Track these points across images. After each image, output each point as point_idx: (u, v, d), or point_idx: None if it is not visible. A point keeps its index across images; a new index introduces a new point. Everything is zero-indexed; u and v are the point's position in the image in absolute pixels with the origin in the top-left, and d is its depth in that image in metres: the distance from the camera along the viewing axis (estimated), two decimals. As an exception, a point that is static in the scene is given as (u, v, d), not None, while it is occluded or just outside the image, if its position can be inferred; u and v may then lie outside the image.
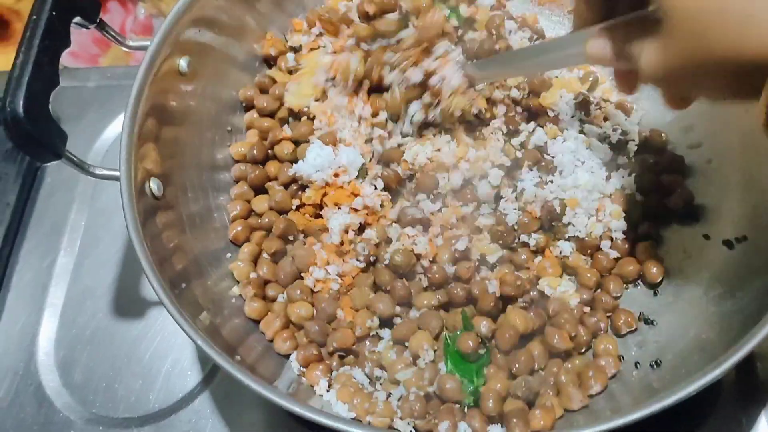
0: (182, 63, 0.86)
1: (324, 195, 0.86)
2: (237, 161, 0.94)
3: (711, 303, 0.78)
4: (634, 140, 0.91)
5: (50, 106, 1.02)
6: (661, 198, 0.87)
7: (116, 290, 0.97)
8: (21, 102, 0.69)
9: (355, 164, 0.86)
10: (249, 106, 0.97)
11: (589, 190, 0.84)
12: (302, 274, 0.84)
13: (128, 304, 0.96)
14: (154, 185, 0.80)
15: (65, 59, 1.29)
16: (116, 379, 0.91)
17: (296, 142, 0.92)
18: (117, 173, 0.76)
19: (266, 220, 0.89)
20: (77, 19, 0.79)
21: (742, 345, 0.64)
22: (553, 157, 0.87)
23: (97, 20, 0.81)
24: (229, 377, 0.67)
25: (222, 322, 0.80)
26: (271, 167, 0.92)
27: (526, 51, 0.89)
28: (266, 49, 0.98)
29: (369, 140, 0.89)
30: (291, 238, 0.87)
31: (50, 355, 0.93)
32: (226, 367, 0.67)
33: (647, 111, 0.95)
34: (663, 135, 0.91)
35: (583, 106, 0.91)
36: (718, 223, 0.84)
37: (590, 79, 0.94)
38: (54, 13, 0.75)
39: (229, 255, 0.89)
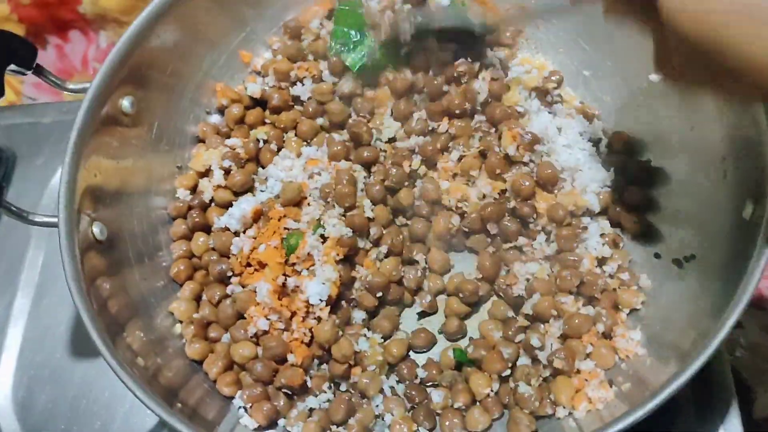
0: (125, 103, 0.85)
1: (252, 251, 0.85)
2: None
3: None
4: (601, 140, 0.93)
5: (4, 143, 1.05)
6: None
7: (75, 329, 0.96)
8: (-49, 158, 0.69)
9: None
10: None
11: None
12: (245, 315, 0.83)
13: (87, 342, 0.92)
14: (96, 229, 0.79)
15: (28, 90, 1.31)
16: (75, 420, 0.91)
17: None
18: (56, 220, 0.75)
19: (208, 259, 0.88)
20: (12, 66, 0.78)
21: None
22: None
23: (34, 66, 0.80)
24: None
25: (165, 363, 0.79)
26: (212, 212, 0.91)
27: None
28: (219, 100, 0.97)
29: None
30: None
31: (8, 398, 0.93)
32: (163, 416, 0.67)
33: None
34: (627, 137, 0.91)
35: (542, 95, 0.92)
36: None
37: (554, 78, 0.94)
38: (-14, 62, 0.74)
39: (177, 294, 0.88)
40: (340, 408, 0.77)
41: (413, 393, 0.80)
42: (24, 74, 0.80)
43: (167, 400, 0.70)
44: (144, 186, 0.90)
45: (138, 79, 0.87)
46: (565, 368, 0.77)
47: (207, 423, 0.75)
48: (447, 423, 0.77)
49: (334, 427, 0.79)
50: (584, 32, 0.94)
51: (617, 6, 0.59)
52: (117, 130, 0.85)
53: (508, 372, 0.79)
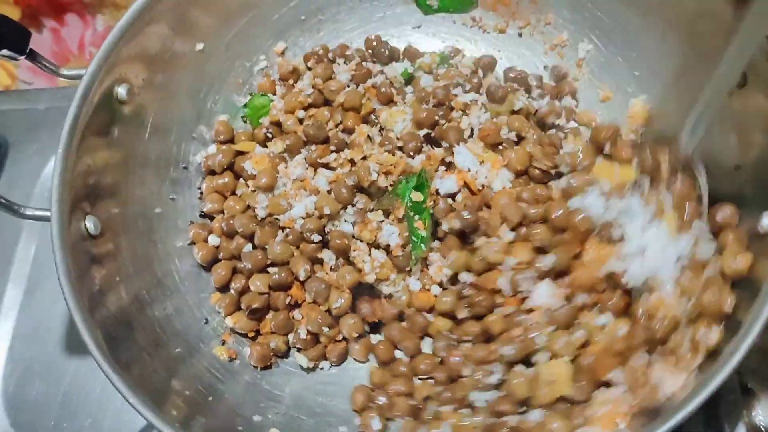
0: (121, 91, 0.82)
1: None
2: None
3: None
4: None
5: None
6: None
7: (66, 323, 0.94)
8: (-59, 148, 0.66)
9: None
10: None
11: None
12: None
13: (77, 337, 0.92)
14: (90, 223, 0.76)
15: (23, 74, 1.28)
16: (65, 417, 0.89)
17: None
18: (49, 214, 0.72)
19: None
20: (4, 51, 0.75)
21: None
22: None
23: (27, 51, 0.77)
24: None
25: (157, 362, 0.77)
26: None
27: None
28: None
29: None
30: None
31: (-2, 392, 0.91)
32: (152, 420, 0.64)
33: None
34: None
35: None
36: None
37: None
38: (-23, 48, 0.71)
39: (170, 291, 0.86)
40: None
41: None
42: (16, 59, 0.77)
43: (157, 402, 0.68)
44: (139, 179, 0.87)
45: (135, 66, 0.83)
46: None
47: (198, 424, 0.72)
48: None
49: None
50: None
51: None
52: (112, 119, 0.82)
53: None
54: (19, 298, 0.96)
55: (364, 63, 0.94)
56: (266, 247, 0.83)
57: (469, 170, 0.84)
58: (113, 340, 0.71)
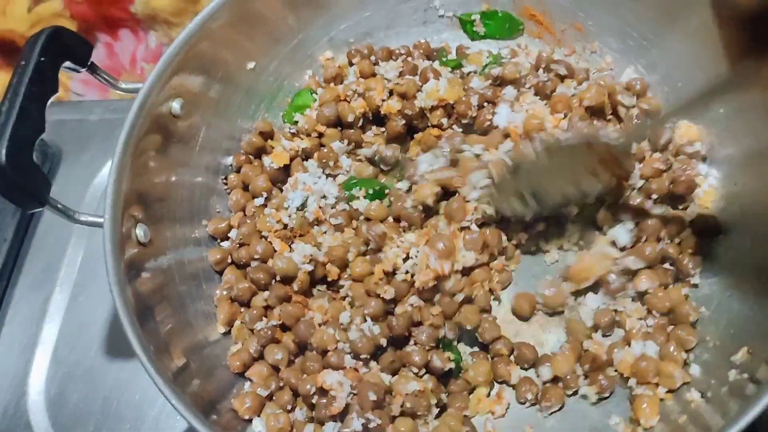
0: (175, 105, 0.85)
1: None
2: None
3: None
4: None
5: (51, 139, 1.05)
6: None
7: (110, 328, 0.96)
8: (4, 150, 0.69)
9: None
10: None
11: None
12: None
13: (121, 342, 0.92)
14: (140, 231, 0.79)
15: (75, 87, 1.32)
16: (105, 421, 0.90)
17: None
18: (102, 220, 0.75)
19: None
20: (67, 63, 0.78)
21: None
22: None
23: (88, 63, 0.80)
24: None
25: (202, 370, 0.78)
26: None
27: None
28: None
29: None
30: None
31: (41, 393, 0.93)
32: (197, 426, 0.65)
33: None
34: None
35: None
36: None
37: None
38: (43, 59, 0.74)
39: (215, 299, 0.87)
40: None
41: None
42: (78, 71, 0.80)
43: (202, 409, 0.69)
44: (188, 191, 0.89)
45: (189, 82, 0.86)
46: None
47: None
48: None
49: None
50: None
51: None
52: (165, 131, 0.85)
53: None
54: (65, 302, 0.99)
55: (410, 58, 0.96)
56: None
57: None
58: (159, 344, 0.73)
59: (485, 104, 0.90)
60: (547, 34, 0.97)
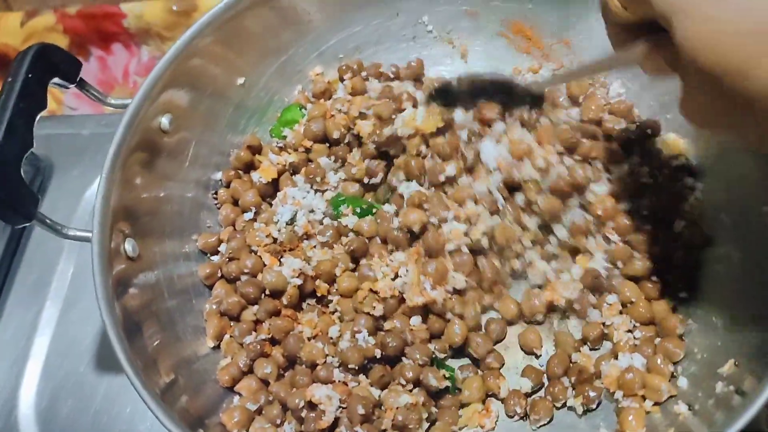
0: (164, 121, 0.85)
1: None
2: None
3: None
4: None
5: (42, 153, 1.05)
6: None
7: (101, 342, 0.96)
8: (-9, 167, 0.69)
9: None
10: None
11: None
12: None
13: (111, 356, 0.92)
14: (129, 246, 0.79)
15: (69, 100, 1.32)
16: (96, 434, 0.90)
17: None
18: (90, 235, 0.75)
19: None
20: (55, 79, 0.78)
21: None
22: None
23: (77, 80, 0.81)
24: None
25: (191, 386, 0.78)
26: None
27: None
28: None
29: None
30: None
31: (31, 407, 0.93)
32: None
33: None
34: None
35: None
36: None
37: None
38: (30, 75, 0.75)
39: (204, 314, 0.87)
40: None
41: None
42: (67, 88, 0.80)
43: (191, 425, 0.69)
44: (177, 206, 0.89)
45: (178, 97, 0.87)
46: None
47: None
48: None
49: None
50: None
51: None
52: (155, 147, 0.85)
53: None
54: (55, 316, 0.99)
55: (397, 81, 0.97)
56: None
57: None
58: (147, 360, 0.73)
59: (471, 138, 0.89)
60: (536, 48, 0.98)
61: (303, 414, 0.77)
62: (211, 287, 0.89)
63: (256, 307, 0.85)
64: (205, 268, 0.88)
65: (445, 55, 1.02)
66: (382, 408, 0.77)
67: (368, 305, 0.81)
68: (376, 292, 0.82)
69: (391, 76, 0.98)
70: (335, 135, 0.92)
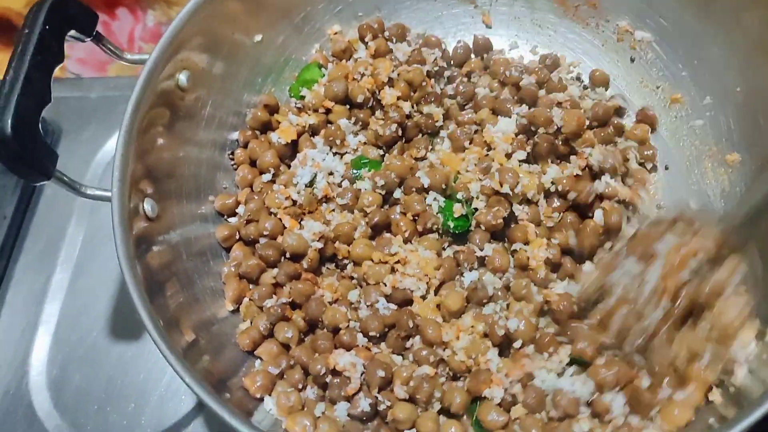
0: (182, 78, 0.83)
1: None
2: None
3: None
4: None
5: (50, 117, 1.02)
6: None
7: (112, 308, 0.94)
8: (9, 121, 0.66)
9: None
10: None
11: None
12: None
13: (124, 323, 0.93)
14: (148, 206, 0.77)
15: (72, 66, 1.29)
16: (108, 401, 0.89)
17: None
18: (109, 194, 0.73)
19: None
20: (72, 32, 0.76)
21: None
22: None
23: (94, 33, 0.78)
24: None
25: (211, 347, 0.77)
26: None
27: None
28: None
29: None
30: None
31: (42, 374, 0.91)
32: (211, 404, 0.64)
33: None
34: None
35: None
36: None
37: None
38: (47, 27, 0.72)
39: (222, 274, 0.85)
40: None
41: None
42: (83, 41, 0.78)
43: (213, 386, 0.67)
44: (195, 166, 0.87)
45: (195, 54, 0.84)
46: None
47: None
48: None
49: None
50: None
51: None
52: (172, 104, 0.82)
53: None
54: (66, 281, 0.96)
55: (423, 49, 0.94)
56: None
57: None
58: (167, 321, 0.71)
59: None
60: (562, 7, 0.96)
61: (327, 380, 0.76)
62: (228, 249, 0.87)
63: (275, 270, 0.83)
64: (222, 230, 0.86)
65: (465, 14, 0.99)
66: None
67: (377, 276, 0.80)
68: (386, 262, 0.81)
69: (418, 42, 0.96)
70: (359, 99, 0.89)
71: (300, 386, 0.78)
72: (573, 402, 0.71)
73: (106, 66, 1.27)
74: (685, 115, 0.89)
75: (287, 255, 0.82)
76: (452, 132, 0.89)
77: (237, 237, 0.87)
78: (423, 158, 0.89)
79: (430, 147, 0.90)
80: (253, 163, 0.90)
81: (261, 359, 0.80)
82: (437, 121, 0.90)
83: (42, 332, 0.94)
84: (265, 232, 0.84)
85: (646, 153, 0.89)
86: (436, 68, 0.93)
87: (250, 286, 0.84)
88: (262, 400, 0.76)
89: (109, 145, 1.04)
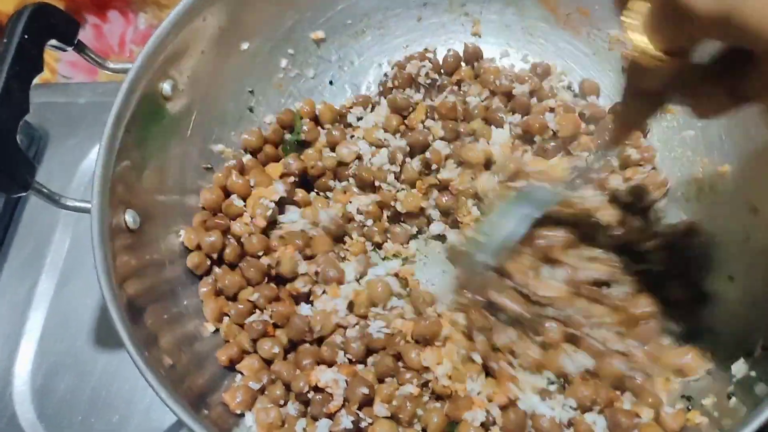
0: (166, 87, 0.81)
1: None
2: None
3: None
4: None
5: (37, 122, 1.02)
6: None
7: (98, 318, 0.93)
8: (-15, 132, 0.66)
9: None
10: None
11: None
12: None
13: (109, 332, 0.89)
14: (129, 217, 0.76)
15: (63, 69, 1.28)
16: (93, 412, 0.88)
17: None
18: (89, 206, 0.72)
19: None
20: (52, 41, 0.75)
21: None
22: None
23: (75, 42, 0.77)
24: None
25: (191, 363, 0.76)
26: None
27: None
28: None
29: None
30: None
31: (26, 383, 0.90)
32: (186, 420, 0.63)
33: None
34: None
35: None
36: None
37: None
38: (26, 36, 0.71)
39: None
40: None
41: None
42: (64, 50, 0.77)
43: (193, 403, 0.67)
44: (179, 176, 0.86)
45: (180, 63, 0.83)
46: None
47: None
48: None
49: None
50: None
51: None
52: (156, 114, 0.81)
53: None
54: (51, 291, 0.96)
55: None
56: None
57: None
58: (148, 335, 0.71)
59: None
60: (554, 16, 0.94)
61: (309, 396, 0.75)
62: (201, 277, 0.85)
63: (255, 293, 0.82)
64: (193, 258, 0.84)
65: (455, 23, 0.98)
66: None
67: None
68: None
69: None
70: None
71: (281, 402, 0.77)
72: (554, 424, 0.70)
73: (97, 70, 1.27)
74: (677, 125, 0.88)
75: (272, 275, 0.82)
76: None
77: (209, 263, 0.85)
78: None
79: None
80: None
81: (242, 374, 0.79)
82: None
83: (26, 341, 0.93)
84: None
85: (645, 155, 0.88)
86: (428, 81, 0.92)
87: (229, 303, 0.83)
88: (242, 415, 0.75)
89: (96, 153, 1.03)
